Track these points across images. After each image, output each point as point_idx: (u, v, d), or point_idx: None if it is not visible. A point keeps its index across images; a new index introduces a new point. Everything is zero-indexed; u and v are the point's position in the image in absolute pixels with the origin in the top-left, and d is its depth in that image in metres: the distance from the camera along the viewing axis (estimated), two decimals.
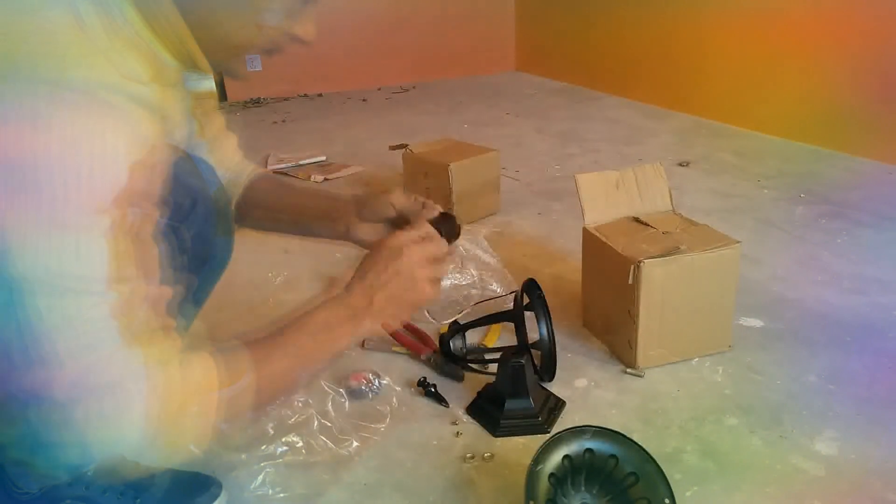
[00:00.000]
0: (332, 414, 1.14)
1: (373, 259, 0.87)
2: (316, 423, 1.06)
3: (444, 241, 0.91)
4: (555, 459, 0.93)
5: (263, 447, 1.04)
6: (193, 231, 0.89)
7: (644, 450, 0.95)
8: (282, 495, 1.01)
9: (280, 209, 1.09)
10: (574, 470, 0.94)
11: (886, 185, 2.27)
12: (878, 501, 0.98)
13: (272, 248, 1.93)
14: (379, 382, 1.26)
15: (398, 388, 1.26)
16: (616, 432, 0.96)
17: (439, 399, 1.23)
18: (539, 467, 0.91)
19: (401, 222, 1.01)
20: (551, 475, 0.92)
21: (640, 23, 3.60)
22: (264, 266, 1.80)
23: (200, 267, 0.95)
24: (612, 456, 0.95)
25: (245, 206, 1.08)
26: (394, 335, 1.41)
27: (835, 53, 2.58)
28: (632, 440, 0.96)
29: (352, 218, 1.04)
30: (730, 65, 3.07)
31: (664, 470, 0.93)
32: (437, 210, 0.99)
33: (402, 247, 0.86)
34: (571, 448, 0.94)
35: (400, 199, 1.02)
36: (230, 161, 1.08)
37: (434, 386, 1.25)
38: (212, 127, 1.03)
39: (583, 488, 0.95)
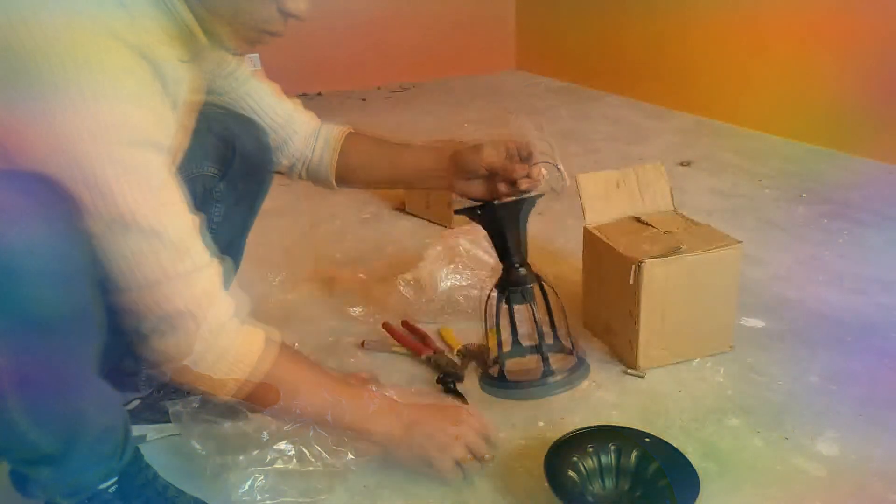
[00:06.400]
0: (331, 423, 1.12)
1: (436, 407, 1.07)
2: (311, 431, 1.02)
3: (483, 440, 1.00)
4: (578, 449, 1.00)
5: (255, 452, 1.01)
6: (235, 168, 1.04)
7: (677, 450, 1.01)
8: (269, 502, 0.98)
9: (381, 168, 1.17)
10: (600, 464, 1.01)
11: (887, 185, 2.27)
12: (879, 502, 0.98)
13: (272, 248, 1.93)
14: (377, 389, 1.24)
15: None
16: (661, 440, 1.03)
17: (458, 395, 1.23)
18: (562, 453, 0.98)
19: (496, 177, 1.13)
20: (574, 462, 0.98)
21: (641, 22, 3.60)
22: (264, 266, 1.80)
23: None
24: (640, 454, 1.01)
25: (345, 168, 1.15)
26: (394, 335, 1.41)
27: (836, 53, 2.58)
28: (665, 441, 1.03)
29: (450, 176, 1.14)
30: (731, 64, 3.07)
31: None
32: (532, 159, 1.11)
33: (462, 421, 0.99)
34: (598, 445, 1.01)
35: (490, 157, 1.11)
36: (278, 109, 1.13)
37: (453, 383, 1.25)
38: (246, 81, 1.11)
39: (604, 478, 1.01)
